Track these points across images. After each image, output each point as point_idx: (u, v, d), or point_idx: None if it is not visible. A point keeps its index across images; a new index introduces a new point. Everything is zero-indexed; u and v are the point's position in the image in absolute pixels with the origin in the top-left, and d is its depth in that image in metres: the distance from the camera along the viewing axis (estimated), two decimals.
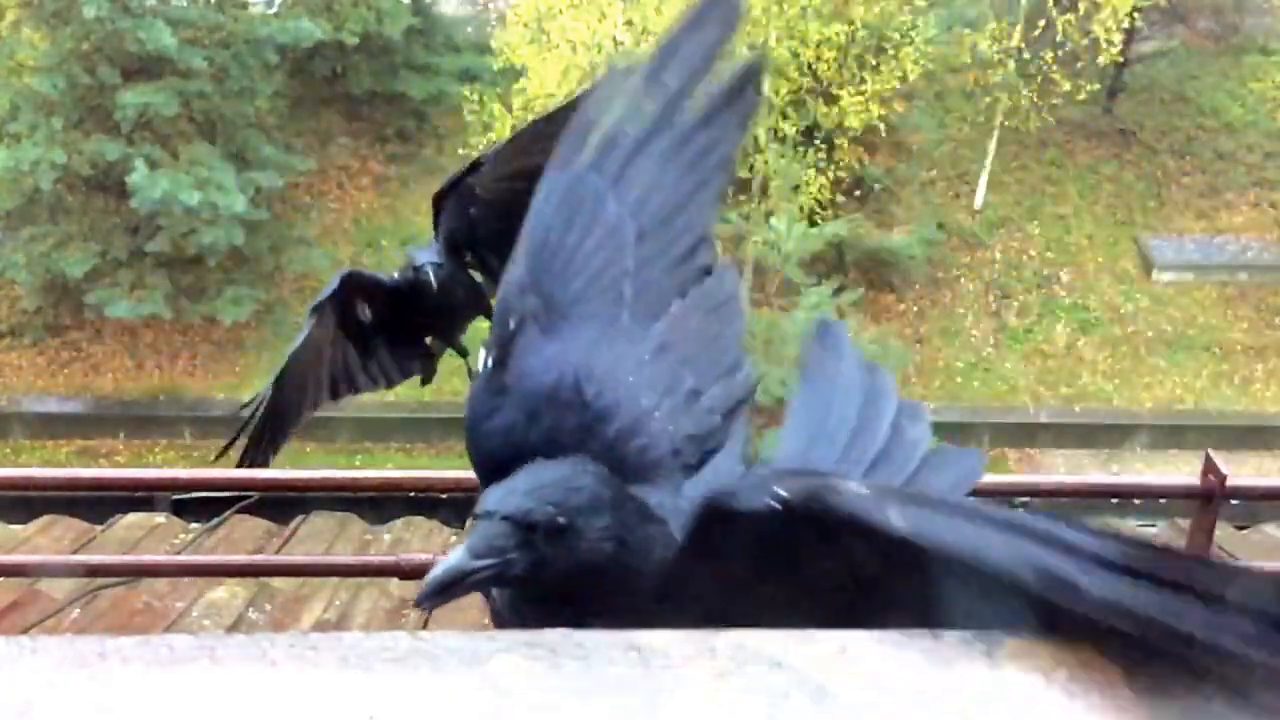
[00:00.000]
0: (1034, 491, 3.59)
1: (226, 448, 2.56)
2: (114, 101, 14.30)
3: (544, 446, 1.32)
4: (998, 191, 17.82)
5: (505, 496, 1.27)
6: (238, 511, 3.15)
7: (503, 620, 1.38)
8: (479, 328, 2.42)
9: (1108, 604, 0.85)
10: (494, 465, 1.33)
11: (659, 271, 1.39)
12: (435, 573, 1.23)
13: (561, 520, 1.25)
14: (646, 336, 1.38)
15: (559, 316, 1.37)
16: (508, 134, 15.01)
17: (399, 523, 3.17)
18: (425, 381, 2.95)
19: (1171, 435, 14.95)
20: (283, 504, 3.20)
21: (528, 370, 1.36)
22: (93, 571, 2.63)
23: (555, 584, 1.29)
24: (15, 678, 1.25)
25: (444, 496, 3.02)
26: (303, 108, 17.85)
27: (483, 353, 1.40)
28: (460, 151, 16.08)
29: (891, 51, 15.63)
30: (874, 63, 15.61)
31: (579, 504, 1.26)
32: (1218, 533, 2.40)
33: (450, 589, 1.24)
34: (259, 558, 2.84)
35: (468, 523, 1.27)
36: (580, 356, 1.36)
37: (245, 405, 2.56)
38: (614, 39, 14.56)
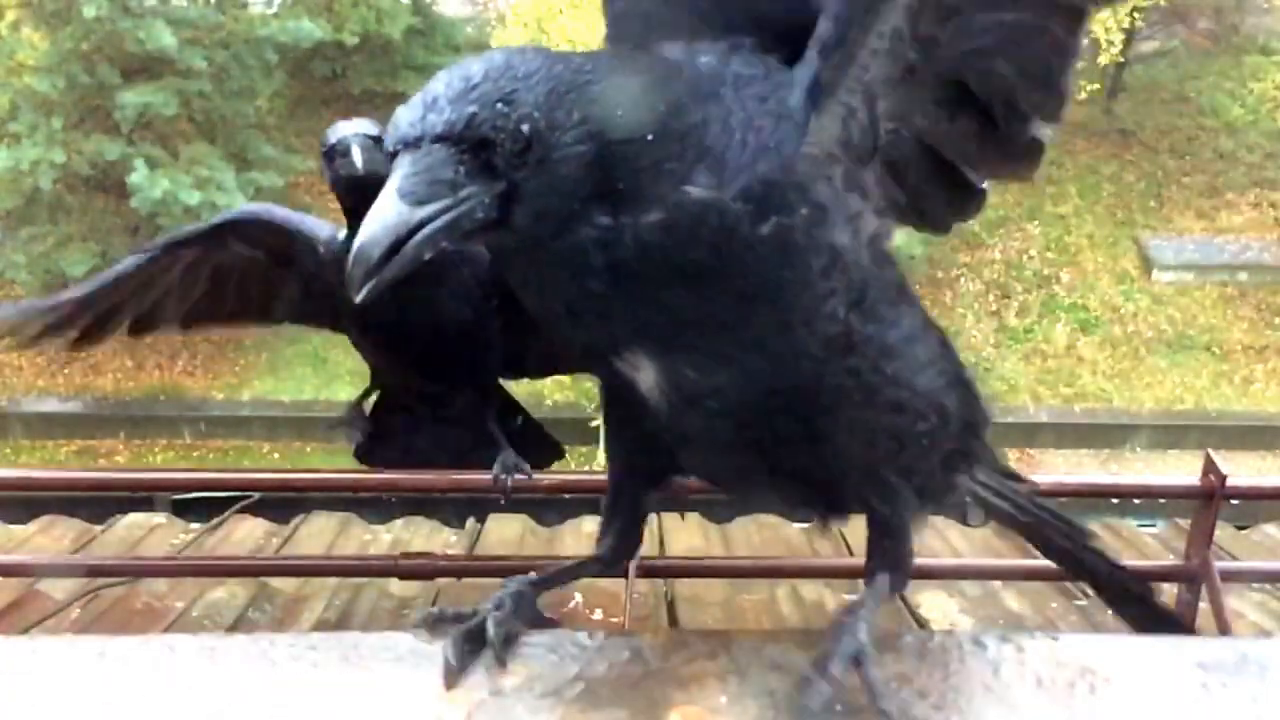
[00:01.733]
0: (1033, 491, 3.58)
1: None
2: (114, 101, 14.29)
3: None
4: (998, 191, 17.76)
5: (427, 111, 0.85)
6: (238, 511, 3.14)
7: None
8: None
9: None
10: None
11: None
12: (365, 238, 0.84)
13: (524, 127, 0.85)
14: None
15: None
16: None
17: (399, 523, 3.16)
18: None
19: (1171, 435, 14.93)
20: (283, 504, 3.21)
21: None
22: (93, 571, 2.63)
23: (533, 229, 0.89)
24: (15, 678, 1.25)
25: (444, 496, 3.03)
26: (303, 108, 17.84)
27: None
28: None
29: None
30: None
31: (537, 98, 0.85)
32: (1218, 533, 2.40)
33: (393, 258, 0.84)
34: (259, 558, 2.84)
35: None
36: None
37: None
38: None
